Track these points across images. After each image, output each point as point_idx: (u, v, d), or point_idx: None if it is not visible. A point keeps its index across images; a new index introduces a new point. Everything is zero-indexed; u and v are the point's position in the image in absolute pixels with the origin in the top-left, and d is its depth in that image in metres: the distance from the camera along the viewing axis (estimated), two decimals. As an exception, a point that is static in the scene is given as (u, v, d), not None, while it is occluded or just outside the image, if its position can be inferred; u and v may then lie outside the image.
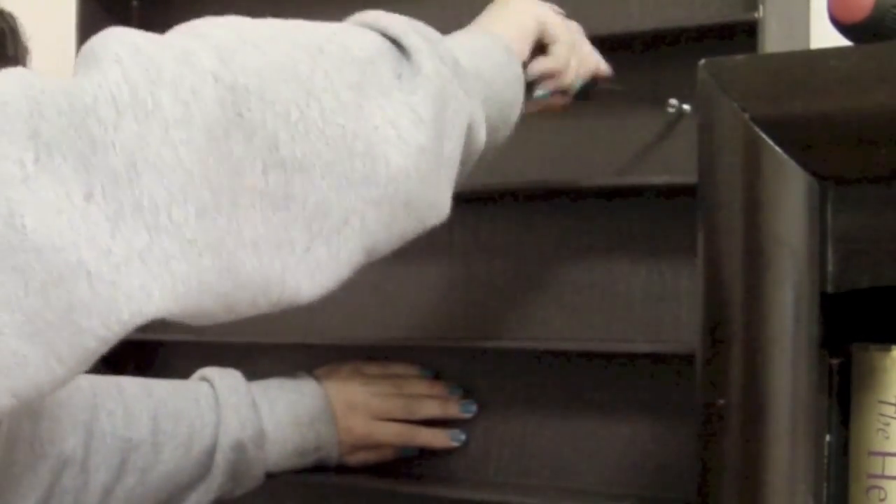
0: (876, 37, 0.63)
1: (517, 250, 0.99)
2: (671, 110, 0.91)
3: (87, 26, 1.10)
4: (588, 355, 0.94)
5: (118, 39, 0.52)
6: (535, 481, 0.96)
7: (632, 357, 0.92)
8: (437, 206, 0.65)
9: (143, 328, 0.52)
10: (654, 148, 0.94)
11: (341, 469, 0.98)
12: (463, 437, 0.99)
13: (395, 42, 0.63)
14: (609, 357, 0.93)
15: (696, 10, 0.92)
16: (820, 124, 0.61)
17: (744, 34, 0.85)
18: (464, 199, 0.98)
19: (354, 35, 0.62)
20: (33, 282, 0.47)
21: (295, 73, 0.56)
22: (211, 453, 0.89)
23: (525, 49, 0.77)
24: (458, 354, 1.00)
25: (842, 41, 0.65)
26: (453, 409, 0.98)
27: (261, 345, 1.06)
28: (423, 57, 0.62)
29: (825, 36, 0.74)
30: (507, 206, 0.99)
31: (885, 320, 0.67)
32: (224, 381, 0.92)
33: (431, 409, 0.98)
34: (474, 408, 0.99)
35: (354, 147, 0.57)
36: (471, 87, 0.67)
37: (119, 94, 0.50)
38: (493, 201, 0.99)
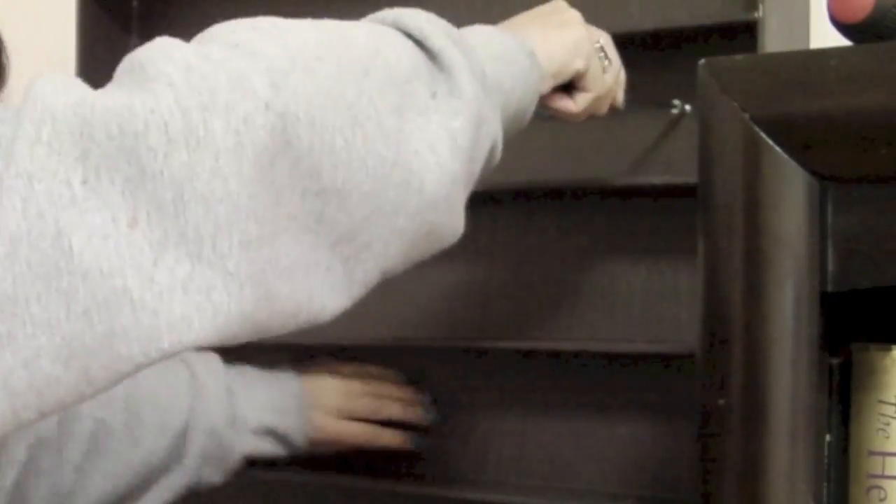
0: (876, 37, 0.63)
1: (517, 250, 0.99)
2: (674, 111, 0.91)
3: (88, 26, 1.09)
4: (588, 355, 0.94)
5: (168, 57, 0.51)
6: (534, 481, 0.96)
7: (632, 357, 0.92)
8: (455, 228, 0.66)
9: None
10: (654, 148, 0.94)
11: (342, 469, 0.98)
12: (423, 441, 0.99)
13: (429, 51, 0.62)
14: (609, 357, 0.93)
15: (696, 10, 0.92)
16: (820, 124, 0.61)
17: (744, 34, 0.85)
18: (464, 199, 0.98)
19: (395, 48, 0.61)
20: (76, 305, 0.47)
21: (343, 99, 0.55)
22: (184, 436, 0.89)
23: (551, 79, 0.76)
24: (458, 354, 1.00)
25: (842, 41, 0.65)
26: (414, 414, 0.99)
27: (258, 344, 1.06)
28: (464, 78, 0.62)
29: (825, 36, 0.74)
30: (507, 206, 0.99)
31: (885, 320, 0.67)
32: (201, 364, 0.92)
33: (394, 410, 0.98)
34: (434, 416, 0.99)
35: (392, 177, 0.57)
36: (495, 102, 0.66)
37: (171, 121, 0.49)
38: (493, 201, 0.99)
